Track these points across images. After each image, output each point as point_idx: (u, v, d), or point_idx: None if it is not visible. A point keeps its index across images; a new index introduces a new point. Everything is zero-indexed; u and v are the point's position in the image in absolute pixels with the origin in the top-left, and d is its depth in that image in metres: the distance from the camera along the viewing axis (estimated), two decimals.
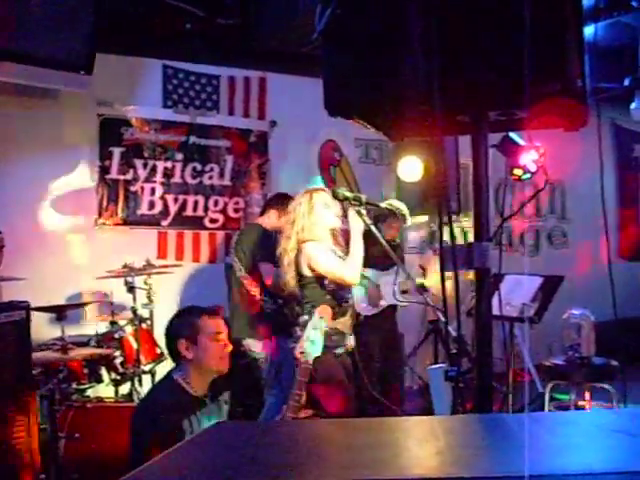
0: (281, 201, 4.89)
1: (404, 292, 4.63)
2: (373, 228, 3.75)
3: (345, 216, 3.91)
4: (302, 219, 3.89)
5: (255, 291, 4.84)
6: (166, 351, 3.02)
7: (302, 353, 3.23)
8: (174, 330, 2.93)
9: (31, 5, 4.53)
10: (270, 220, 4.97)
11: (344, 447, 1.35)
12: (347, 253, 3.85)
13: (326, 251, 3.85)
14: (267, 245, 4.73)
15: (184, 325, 2.92)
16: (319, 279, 3.86)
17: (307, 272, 3.87)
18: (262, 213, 5.19)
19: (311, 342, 3.24)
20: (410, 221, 3.93)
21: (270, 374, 4.76)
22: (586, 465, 1.19)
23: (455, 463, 1.24)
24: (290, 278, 3.92)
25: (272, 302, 4.79)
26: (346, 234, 3.95)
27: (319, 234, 3.89)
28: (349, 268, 3.80)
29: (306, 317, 3.63)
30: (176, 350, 2.89)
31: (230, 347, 2.97)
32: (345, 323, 3.87)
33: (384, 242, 3.70)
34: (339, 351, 3.83)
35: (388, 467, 1.21)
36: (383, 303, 5.35)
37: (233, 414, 3.12)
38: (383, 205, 3.91)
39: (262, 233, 4.91)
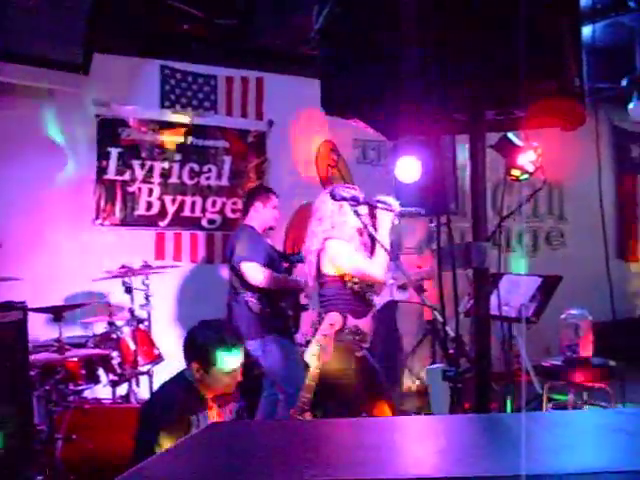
0: (259, 193, 5.01)
1: (402, 287, 4.59)
2: (370, 228, 3.73)
3: (372, 216, 3.79)
4: (331, 217, 3.79)
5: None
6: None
7: (312, 357, 3.23)
8: (192, 348, 2.89)
9: (28, 5, 4.53)
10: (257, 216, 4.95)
11: (342, 446, 1.34)
12: (371, 253, 3.78)
13: (353, 250, 3.75)
14: (254, 245, 4.73)
15: (202, 353, 2.85)
16: (342, 278, 3.75)
17: (330, 271, 3.77)
18: (246, 214, 5.09)
19: (320, 347, 3.24)
20: (399, 214, 3.85)
21: (272, 374, 4.76)
22: (584, 464, 1.19)
23: (455, 462, 1.24)
24: (310, 278, 3.85)
25: (258, 302, 4.74)
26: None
27: (348, 233, 3.80)
28: (377, 266, 3.71)
29: (317, 322, 3.59)
30: (188, 363, 2.89)
31: (239, 377, 2.94)
32: (367, 324, 3.77)
33: (379, 239, 3.68)
34: (359, 354, 3.72)
35: (387, 466, 1.21)
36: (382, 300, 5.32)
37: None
38: (380, 206, 3.88)
39: (251, 234, 4.87)
